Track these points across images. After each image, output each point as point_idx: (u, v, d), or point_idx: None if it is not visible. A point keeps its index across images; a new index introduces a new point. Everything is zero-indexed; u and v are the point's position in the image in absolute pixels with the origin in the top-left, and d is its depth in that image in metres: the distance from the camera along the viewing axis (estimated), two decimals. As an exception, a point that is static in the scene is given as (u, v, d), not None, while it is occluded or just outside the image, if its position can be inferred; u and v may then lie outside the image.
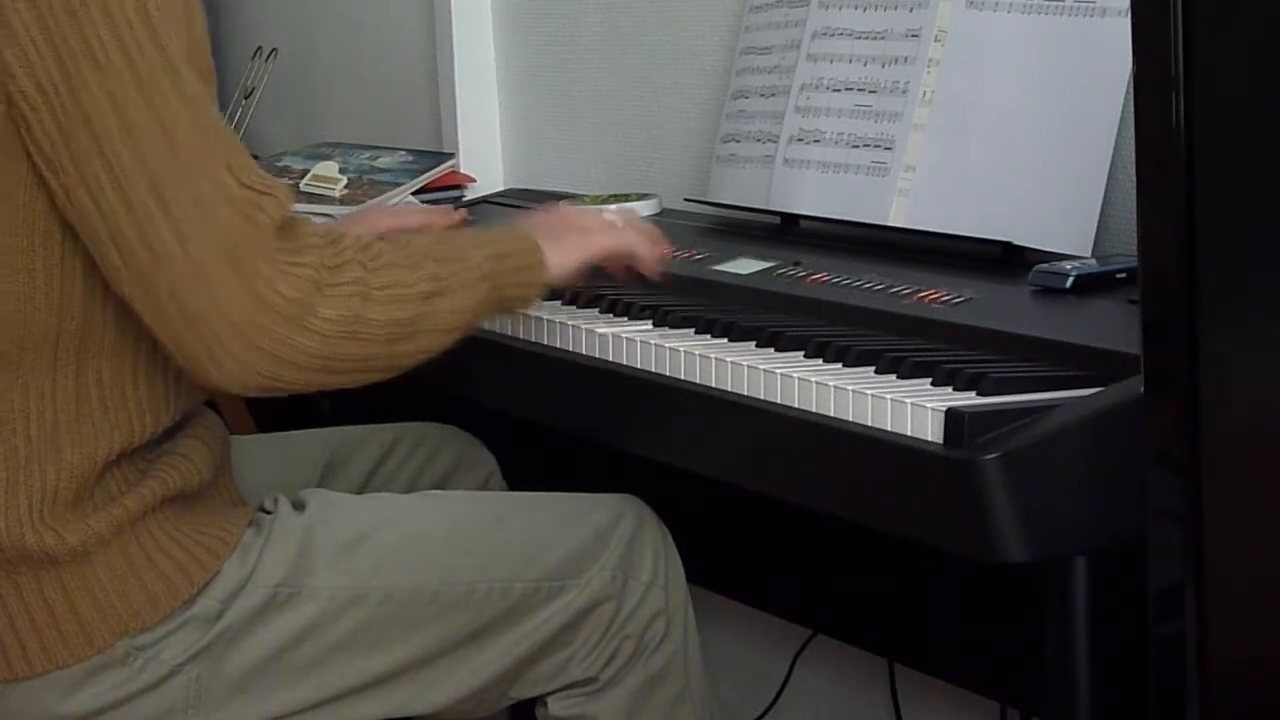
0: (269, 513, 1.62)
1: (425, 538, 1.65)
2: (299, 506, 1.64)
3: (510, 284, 1.60)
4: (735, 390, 1.52)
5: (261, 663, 1.55)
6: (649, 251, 1.76)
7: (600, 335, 1.70)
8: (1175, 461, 1.08)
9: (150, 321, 1.43)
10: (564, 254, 1.66)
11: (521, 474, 2.00)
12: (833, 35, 1.95)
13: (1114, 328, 1.46)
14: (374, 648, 1.59)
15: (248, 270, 1.40)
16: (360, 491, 1.86)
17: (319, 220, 2.38)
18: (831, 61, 1.94)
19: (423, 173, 2.53)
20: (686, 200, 2.18)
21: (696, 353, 1.57)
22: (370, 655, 1.59)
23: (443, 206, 2.35)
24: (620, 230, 1.74)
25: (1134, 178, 1.09)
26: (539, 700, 1.72)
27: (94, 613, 1.49)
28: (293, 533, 1.59)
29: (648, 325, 1.71)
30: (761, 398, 1.49)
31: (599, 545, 1.69)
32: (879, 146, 1.87)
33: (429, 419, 2.01)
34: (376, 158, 2.60)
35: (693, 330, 1.67)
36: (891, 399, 1.36)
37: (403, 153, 2.62)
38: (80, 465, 1.48)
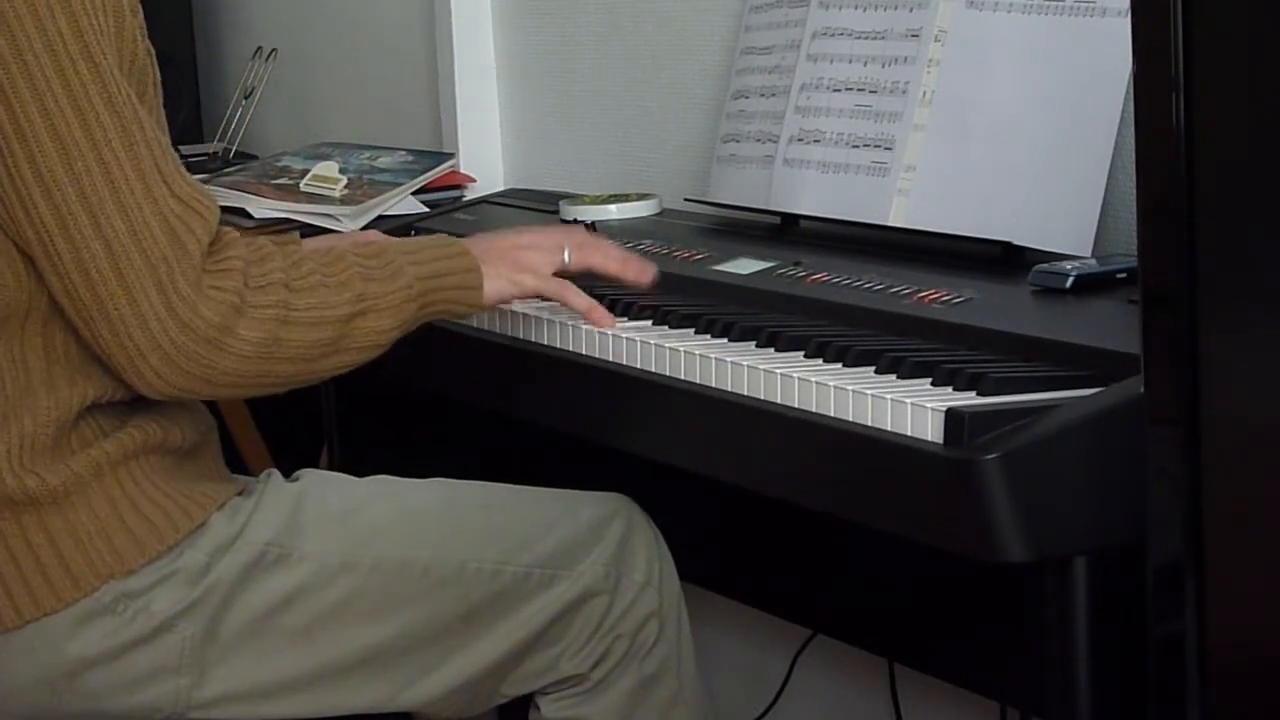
0: (260, 483, 1.64)
1: (418, 514, 1.67)
2: (292, 481, 1.67)
3: (441, 301, 1.63)
4: (735, 390, 1.52)
5: (252, 624, 1.57)
6: (579, 304, 1.70)
7: (600, 335, 1.70)
8: (1175, 461, 1.08)
9: (78, 325, 1.48)
10: (497, 283, 1.67)
11: (519, 475, 2.00)
12: (833, 35, 1.95)
13: (1114, 328, 1.46)
14: (365, 618, 1.61)
15: (171, 292, 1.45)
16: None
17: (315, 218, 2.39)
18: (831, 61, 1.94)
19: (423, 173, 2.53)
20: (686, 200, 2.18)
21: (696, 353, 1.57)
22: (361, 626, 1.61)
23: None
24: (553, 281, 1.70)
25: (1134, 178, 1.09)
26: (531, 703, 1.72)
27: (78, 555, 1.51)
28: (285, 497, 1.62)
29: (647, 325, 1.71)
30: (761, 398, 1.49)
31: (592, 538, 1.70)
32: (879, 146, 1.87)
33: (423, 446, 2.01)
34: (376, 158, 2.60)
35: (693, 330, 1.67)
36: (891, 399, 1.36)
37: (403, 153, 2.62)
38: (55, 410, 1.51)
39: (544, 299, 1.74)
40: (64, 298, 1.46)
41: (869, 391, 1.39)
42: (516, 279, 1.69)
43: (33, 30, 1.43)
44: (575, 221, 2.09)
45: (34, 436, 1.51)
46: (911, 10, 1.87)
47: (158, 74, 1.57)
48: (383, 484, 1.72)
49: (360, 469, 1.76)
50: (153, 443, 1.56)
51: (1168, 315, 1.07)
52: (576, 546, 1.69)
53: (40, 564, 1.51)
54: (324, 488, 1.67)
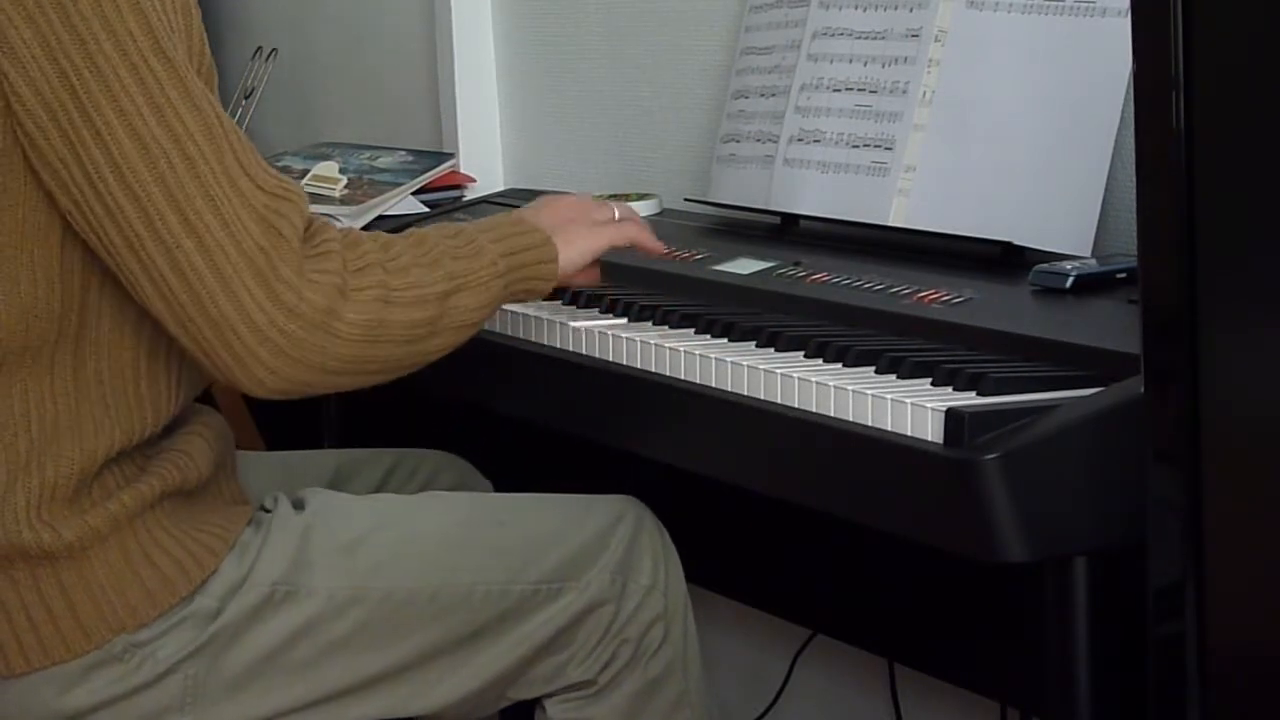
0: (268, 511, 1.62)
1: (425, 538, 1.65)
2: (299, 506, 1.64)
3: (522, 278, 1.60)
4: (735, 390, 1.52)
5: (259, 661, 1.55)
6: (652, 242, 1.74)
7: (600, 334, 1.70)
8: (1176, 460, 1.08)
9: (176, 332, 1.43)
10: (574, 247, 1.65)
11: (519, 478, 2.00)
12: (833, 35, 1.95)
13: (1114, 328, 1.46)
14: (372, 647, 1.59)
15: (274, 281, 1.40)
16: None
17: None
18: (832, 61, 1.94)
19: (423, 173, 2.53)
20: (686, 200, 2.18)
21: (696, 353, 1.57)
22: (369, 654, 1.59)
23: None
24: (622, 223, 1.72)
25: (1134, 178, 1.09)
26: (537, 704, 1.72)
27: (91, 610, 1.49)
28: (292, 531, 1.59)
29: (648, 325, 1.71)
30: (761, 398, 1.49)
31: (598, 547, 1.69)
32: (879, 146, 1.87)
33: (426, 443, 2.01)
34: (376, 158, 2.60)
35: (693, 330, 1.67)
36: (891, 399, 1.37)
37: (403, 153, 2.62)
38: (80, 461, 1.48)
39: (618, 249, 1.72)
40: (160, 304, 1.41)
41: (869, 391, 1.39)
42: (593, 235, 1.67)
43: (101, 31, 1.38)
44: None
45: (55, 487, 1.47)
46: (911, 10, 1.87)
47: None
48: (388, 505, 1.70)
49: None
50: (170, 487, 1.53)
51: (1168, 315, 1.07)
52: (583, 556, 1.68)
53: (52, 615, 1.49)
54: (330, 516, 1.63)
